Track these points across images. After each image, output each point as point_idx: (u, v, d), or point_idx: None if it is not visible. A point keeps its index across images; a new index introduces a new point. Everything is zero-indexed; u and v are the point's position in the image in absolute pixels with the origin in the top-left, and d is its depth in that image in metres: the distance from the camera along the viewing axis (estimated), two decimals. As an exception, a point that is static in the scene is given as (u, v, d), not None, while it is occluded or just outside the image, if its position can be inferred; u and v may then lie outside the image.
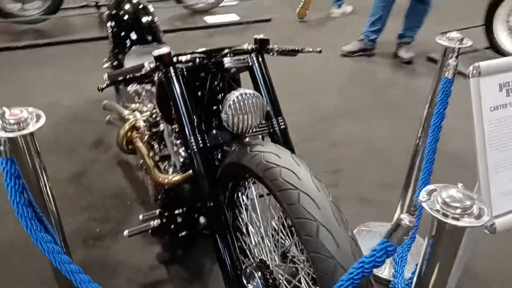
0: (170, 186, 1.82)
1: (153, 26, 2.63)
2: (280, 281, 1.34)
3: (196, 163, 1.44)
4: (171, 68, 1.46)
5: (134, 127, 2.15)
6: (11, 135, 0.99)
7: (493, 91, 1.01)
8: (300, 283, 1.33)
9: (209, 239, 1.50)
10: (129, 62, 2.42)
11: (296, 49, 1.63)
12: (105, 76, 1.43)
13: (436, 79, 1.68)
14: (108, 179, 2.50)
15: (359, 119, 3.22)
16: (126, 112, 2.32)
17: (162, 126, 1.89)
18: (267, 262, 1.38)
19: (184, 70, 1.48)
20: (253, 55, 1.57)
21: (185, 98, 1.46)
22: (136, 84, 2.26)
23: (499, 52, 4.15)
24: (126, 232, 1.89)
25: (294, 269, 1.36)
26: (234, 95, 1.39)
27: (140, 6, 2.71)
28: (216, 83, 1.56)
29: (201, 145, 1.43)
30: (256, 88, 1.57)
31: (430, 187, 0.85)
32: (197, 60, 1.50)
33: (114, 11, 2.64)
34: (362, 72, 3.97)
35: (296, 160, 1.22)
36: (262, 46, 1.57)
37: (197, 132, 1.44)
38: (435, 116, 1.62)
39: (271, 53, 1.59)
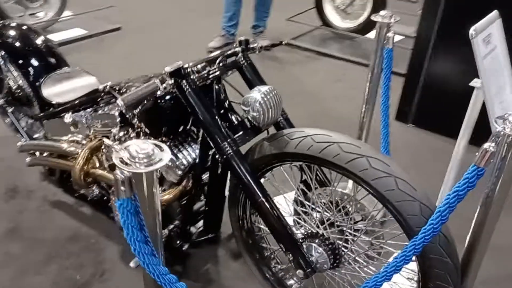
0: (168, 202, 1.80)
1: (54, 49, 2.41)
2: (339, 245, 1.52)
3: (235, 165, 1.49)
4: (184, 81, 1.47)
5: (88, 158, 1.99)
6: (146, 170, 0.94)
7: (481, 45, 1.36)
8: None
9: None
10: (51, 92, 2.20)
11: (271, 44, 1.78)
12: (120, 102, 1.37)
13: (375, 53, 1.99)
14: (51, 224, 2.24)
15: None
16: (65, 145, 2.12)
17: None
18: (319, 232, 1.54)
19: (196, 81, 1.50)
20: (240, 55, 1.67)
21: (207, 106, 1.49)
22: (71, 114, 2.09)
23: (331, 26, 4.87)
24: (132, 264, 1.81)
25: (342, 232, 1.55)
26: (259, 93, 1.49)
27: (25, 28, 2.44)
28: (217, 88, 1.62)
29: (235, 147, 1.49)
30: (250, 84, 1.69)
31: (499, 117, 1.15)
32: (200, 69, 1.54)
33: (7, 41, 2.32)
34: (233, 64, 4.22)
35: (343, 134, 1.41)
36: (246, 46, 1.68)
37: (227, 137, 1.49)
38: (384, 80, 1.98)
39: (254, 51, 1.71)
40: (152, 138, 1.74)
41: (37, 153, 2.30)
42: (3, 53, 2.33)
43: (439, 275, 1.29)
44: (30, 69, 2.28)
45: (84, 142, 2.11)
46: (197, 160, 1.74)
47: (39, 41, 2.37)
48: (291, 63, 4.28)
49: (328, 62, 4.27)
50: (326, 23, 4.89)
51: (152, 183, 0.98)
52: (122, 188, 0.96)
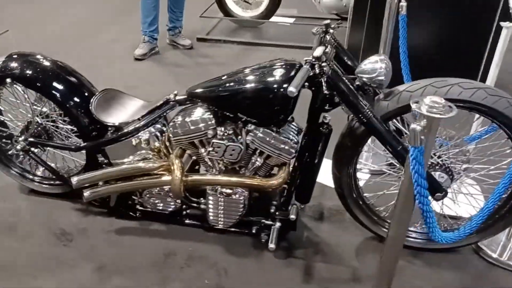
0: (280, 184, 1.97)
1: (77, 72, 2.26)
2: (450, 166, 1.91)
3: (376, 125, 1.73)
4: (326, 63, 1.68)
5: (183, 168, 2.00)
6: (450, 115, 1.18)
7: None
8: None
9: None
10: (109, 116, 2.10)
11: (336, 23, 2.04)
12: (292, 89, 1.52)
13: (387, 20, 2.39)
14: (132, 250, 2.13)
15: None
16: (142, 164, 2.08)
17: (249, 137, 1.90)
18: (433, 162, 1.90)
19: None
20: (328, 36, 1.91)
21: (345, 82, 1.72)
22: (143, 135, 2.06)
23: (233, 16, 5.16)
24: (272, 245, 1.95)
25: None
26: (378, 61, 1.76)
27: (36, 56, 2.23)
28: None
29: (372, 111, 1.74)
30: (341, 60, 1.95)
31: None
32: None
33: (30, 73, 2.11)
34: (168, 67, 4.17)
35: (453, 78, 1.78)
36: (331, 27, 1.93)
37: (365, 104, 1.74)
38: (401, 41, 2.40)
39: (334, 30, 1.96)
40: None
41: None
42: (22, 87, 2.12)
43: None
44: (70, 98, 2.12)
45: (151, 156, 2.10)
46: (303, 141, 1.95)
47: (59, 67, 2.20)
48: (219, 55, 4.43)
49: (267, 50, 4.52)
50: (227, 13, 5.15)
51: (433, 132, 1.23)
52: (422, 137, 1.19)
